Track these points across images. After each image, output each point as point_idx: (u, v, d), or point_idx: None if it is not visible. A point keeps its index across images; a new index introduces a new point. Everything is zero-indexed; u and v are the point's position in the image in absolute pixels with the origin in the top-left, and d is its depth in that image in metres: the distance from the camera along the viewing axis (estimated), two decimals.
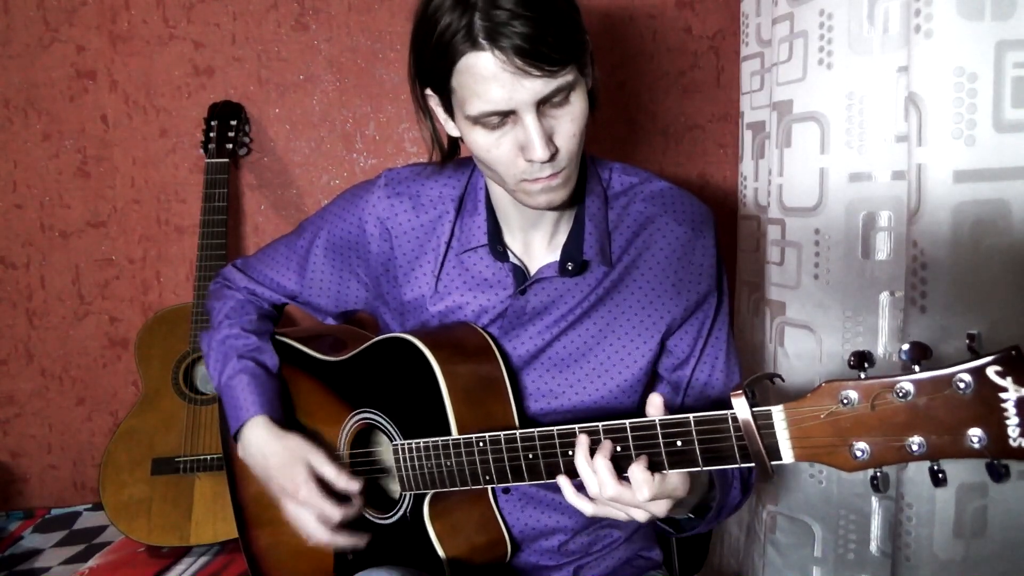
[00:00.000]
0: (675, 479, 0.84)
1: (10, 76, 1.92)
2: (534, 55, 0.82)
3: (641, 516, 0.85)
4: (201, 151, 1.89)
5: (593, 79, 0.94)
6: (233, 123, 1.87)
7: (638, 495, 0.81)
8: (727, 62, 2.07)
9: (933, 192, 1.15)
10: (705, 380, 1.11)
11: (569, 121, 0.89)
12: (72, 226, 1.99)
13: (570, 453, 0.88)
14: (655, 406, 0.84)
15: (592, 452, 0.85)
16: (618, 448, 0.85)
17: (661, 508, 0.84)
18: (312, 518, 1.05)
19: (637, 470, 0.82)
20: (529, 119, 0.86)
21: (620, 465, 0.84)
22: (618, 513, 0.86)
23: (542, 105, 0.86)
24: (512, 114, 0.87)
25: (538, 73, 0.83)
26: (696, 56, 2.07)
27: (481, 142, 0.90)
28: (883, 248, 1.34)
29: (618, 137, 2.06)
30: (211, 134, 1.85)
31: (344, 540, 1.07)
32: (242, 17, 1.95)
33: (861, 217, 1.36)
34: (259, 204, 2.03)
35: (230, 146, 1.85)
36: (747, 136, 1.78)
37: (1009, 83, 1.12)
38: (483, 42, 0.82)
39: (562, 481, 0.88)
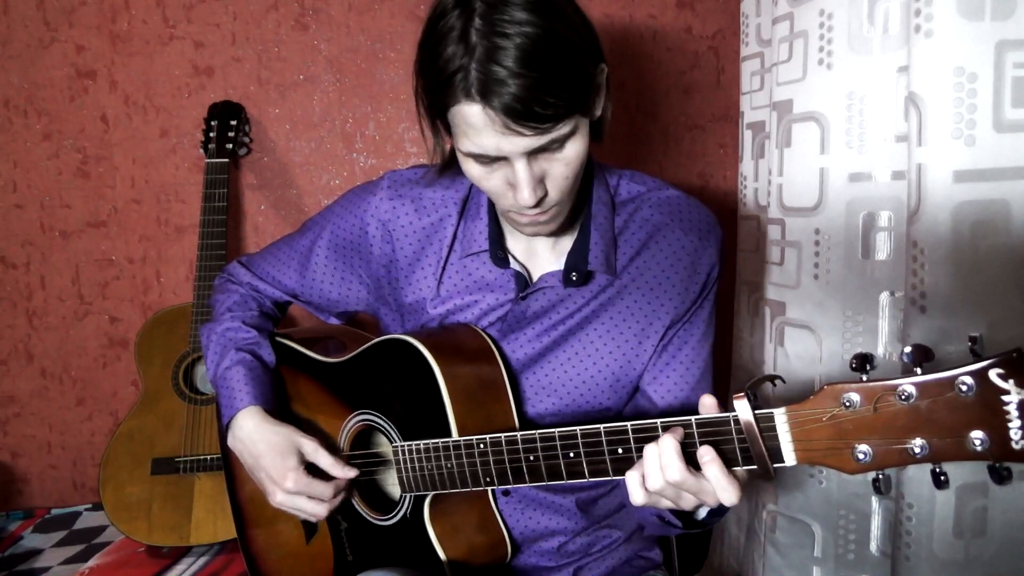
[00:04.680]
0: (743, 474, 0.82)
1: (10, 76, 1.92)
2: (525, 116, 0.79)
3: (691, 500, 0.82)
4: (201, 151, 1.88)
5: (604, 108, 0.92)
6: (233, 123, 1.87)
7: (725, 499, 0.79)
8: (727, 62, 2.07)
9: (933, 192, 1.15)
10: (666, 385, 1.08)
11: (563, 166, 0.88)
12: (72, 226, 1.99)
13: (571, 455, 0.88)
14: (706, 407, 0.83)
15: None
16: (619, 450, 0.85)
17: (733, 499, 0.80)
18: (304, 500, 1.06)
19: (718, 473, 0.78)
20: (519, 166, 0.85)
21: (623, 467, 0.84)
22: (666, 502, 0.84)
23: (535, 151, 0.85)
24: (503, 157, 0.86)
25: (528, 133, 0.81)
26: (696, 56, 2.06)
27: (474, 172, 0.90)
28: (883, 248, 1.34)
29: (618, 137, 2.06)
30: (211, 134, 1.85)
31: (338, 499, 1.09)
32: (242, 17, 1.95)
33: (861, 217, 1.36)
34: (259, 204, 2.03)
35: (230, 146, 1.85)
36: (747, 136, 1.78)
37: (1009, 83, 1.12)
38: (475, 95, 0.80)
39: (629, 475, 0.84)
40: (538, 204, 0.88)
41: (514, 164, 0.85)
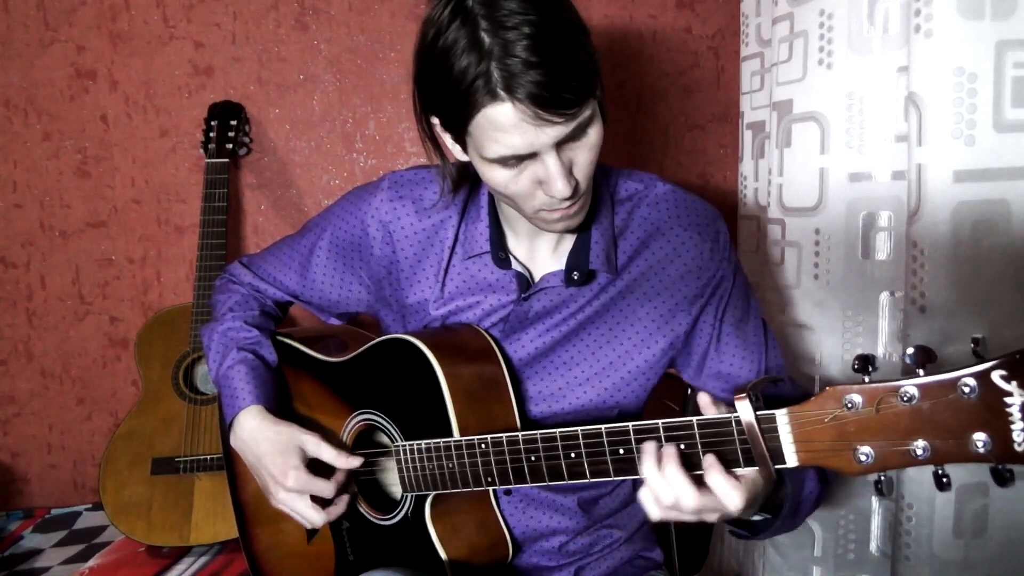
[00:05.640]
0: (751, 475, 0.81)
1: (10, 76, 1.92)
2: (553, 103, 0.80)
3: (714, 516, 0.81)
4: (201, 151, 1.88)
5: (602, 92, 0.92)
6: (233, 123, 1.87)
7: (730, 505, 0.78)
8: (727, 62, 2.07)
9: (933, 192, 1.15)
10: (735, 372, 1.08)
11: (587, 151, 0.88)
12: (72, 226, 1.99)
13: (573, 455, 0.88)
14: (703, 405, 0.83)
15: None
16: (621, 451, 0.85)
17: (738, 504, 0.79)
18: (304, 503, 1.05)
19: (720, 479, 0.78)
20: (550, 160, 0.85)
21: (625, 468, 0.84)
22: (688, 516, 0.82)
23: (561, 142, 0.85)
24: (532, 155, 0.86)
25: (559, 120, 0.81)
26: (696, 56, 2.07)
27: (499, 179, 0.89)
28: (883, 248, 1.34)
29: (618, 137, 2.06)
30: (211, 134, 1.85)
31: (339, 508, 1.08)
32: (242, 17, 1.95)
33: (861, 217, 1.36)
34: (259, 204, 2.03)
35: (230, 146, 1.85)
36: (747, 136, 1.78)
37: (1009, 83, 1.12)
38: (502, 93, 0.80)
39: (643, 495, 0.83)
40: (572, 195, 0.89)
41: (544, 158, 0.85)
